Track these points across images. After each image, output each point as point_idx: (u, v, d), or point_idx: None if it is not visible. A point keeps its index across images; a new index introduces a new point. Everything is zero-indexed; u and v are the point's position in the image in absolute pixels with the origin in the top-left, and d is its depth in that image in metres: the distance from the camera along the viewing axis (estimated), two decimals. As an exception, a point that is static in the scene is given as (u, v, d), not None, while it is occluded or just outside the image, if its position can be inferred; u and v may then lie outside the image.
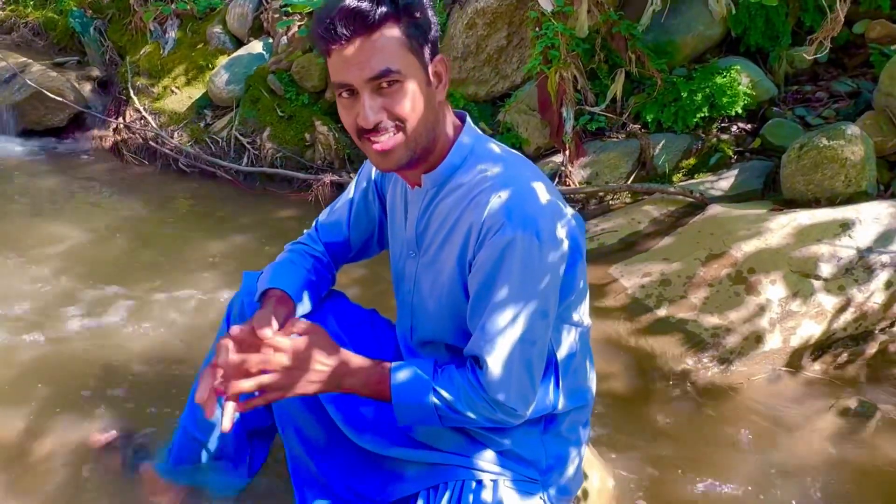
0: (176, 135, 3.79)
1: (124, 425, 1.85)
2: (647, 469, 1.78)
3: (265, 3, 4.08)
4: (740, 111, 3.15)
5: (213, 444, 1.58)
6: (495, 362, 1.17)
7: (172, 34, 4.28)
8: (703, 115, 3.13)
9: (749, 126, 3.25)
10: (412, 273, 1.35)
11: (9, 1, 5.81)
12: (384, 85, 1.13)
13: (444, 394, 1.21)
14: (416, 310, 1.37)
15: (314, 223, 1.56)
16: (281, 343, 1.17)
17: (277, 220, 3.22)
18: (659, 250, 2.65)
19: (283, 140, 3.58)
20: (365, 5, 1.10)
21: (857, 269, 2.31)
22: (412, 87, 1.15)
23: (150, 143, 3.77)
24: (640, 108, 3.20)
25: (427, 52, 1.18)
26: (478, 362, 1.20)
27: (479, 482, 1.30)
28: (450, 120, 1.26)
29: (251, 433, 1.61)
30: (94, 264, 2.73)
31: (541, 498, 1.34)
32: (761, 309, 2.26)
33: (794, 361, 2.24)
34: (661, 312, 2.36)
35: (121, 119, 3.99)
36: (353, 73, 1.13)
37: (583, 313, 1.32)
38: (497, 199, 1.16)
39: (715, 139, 3.16)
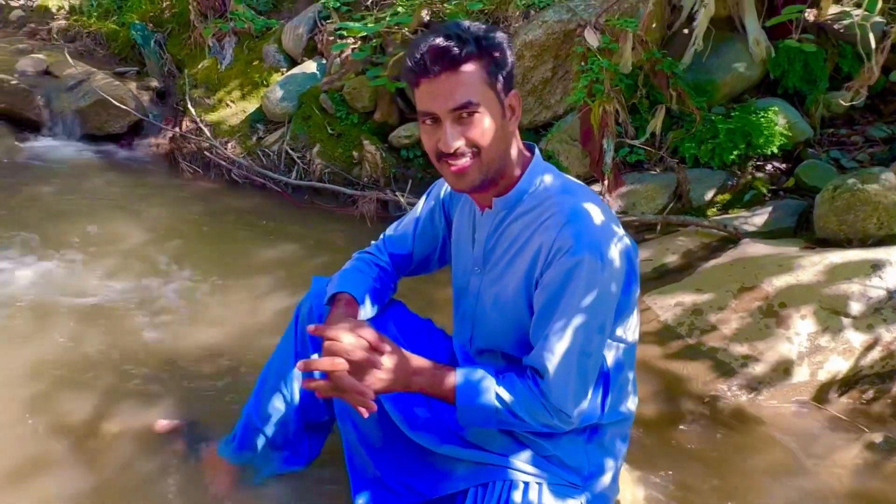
0: (229, 146, 3.98)
1: (185, 414, 1.98)
2: (674, 489, 1.86)
3: (320, 26, 4.27)
4: (776, 151, 3.24)
5: (273, 433, 1.70)
6: (556, 371, 1.29)
7: (230, 50, 4.49)
8: (739, 152, 3.23)
9: (784, 166, 3.34)
10: (476, 288, 1.47)
11: (73, 11, 6.11)
12: (464, 115, 1.27)
13: (506, 397, 1.32)
14: (477, 321, 1.49)
15: (382, 235, 1.69)
16: (364, 338, 1.29)
17: (324, 233, 3.37)
18: (692, 281, 2.74)
19: (331, 157, 3.74)
20: (453, 44, 1.25)
21: (886, 309, 2.38)
22: (489, 118, 1.29)
23: (205, 153, 3.95)
24: (679, 143, 3.31)
25: (502, 86, 1.31)
26: (538, 371, 1.32)
27: (526, 483, 1.41)
28: (519, 149, 1.40)
29: (309, 426, 1.73)
30: (152, 263, 2.90)
31: (580, 503, 1.44)
32: (790, 342, 2.34)
33: (821, 395, 2.31)
34: (692, 340, 2.44)
35: (177, 129, 4.18)
36: (439, 104, 1.27)
37: (629, 330, 1.43)
38: (566, 224, 1.28)
39: (750, 177, 3.26)
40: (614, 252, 1.30)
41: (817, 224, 2.82)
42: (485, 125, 1.28)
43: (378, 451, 1.59)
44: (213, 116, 4.20)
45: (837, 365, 2.31)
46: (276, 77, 4.23)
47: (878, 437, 2.12)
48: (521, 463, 1.43)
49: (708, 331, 2.46)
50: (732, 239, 3.00)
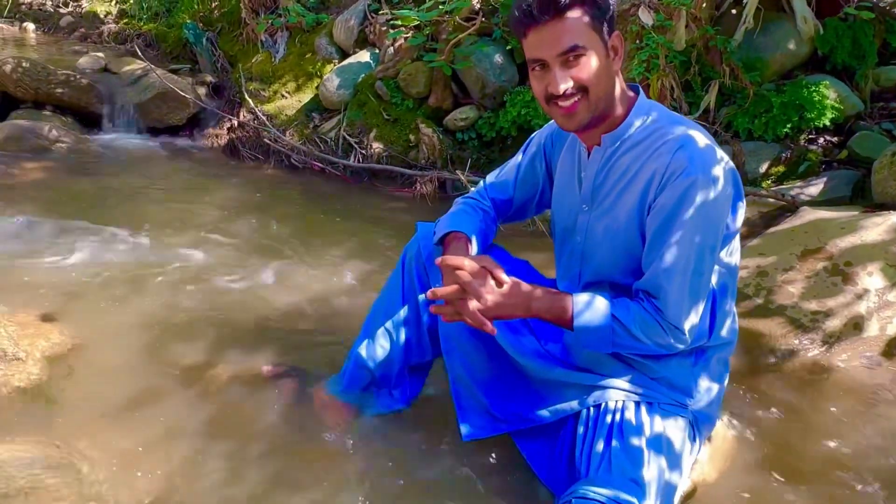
0: (287, 134, 4.11)
1: (289, 361, 2.10)
2: (757, 430, 1.93)
3: (370, 18, 4.40)
4: (828, 124, 3.31)
5: (378, 372, 1.80)
6: (670, 290, 1.37)
7: (282, 44, 4.64)
8: (792, 125, 3.30)
9: (836, 139, 3.40)
10: (584, 225, 1.55)
11: (122, 15, 6.32)
12: (571, 59, 1.36)
13: (621, 317, 1.40)
14: (586, 256, 1.57)
15: (483, 182, 1.79)
16: (485, 265, 1.40)
17: (386, 211, 3.51)
18: (753, 247, 2.80)
19: (388, 141, 3.86)
20: None
21: (953, 265, 2.43)
22: (594, 59, 1.37)
23: (265, 140, 4.09)
24: (732, 117, 3.39)
25: (606, 29, 1.40)
26: (651, 292, 1.40)
27: (637, 403, 1.49)
28: (623, 88, 1.49)
29: (412, 367, 1.83)
30: (231, 236, 3.04)
31: (688, 422, 1.52)
32: (859, 298, 2.39)
33: (891, 350, 2.36)
34: (760, 300, 2.51)
35: (236, 119, 4.33)
36: (547, 50, 1.37)
37: (732, 254, 1.51)
38: (680, 149, 1.37)
39: (803, 149, 3.32)
40: (723, 173, 1.38)
41: (875, 189, 2.88)
42: (591, 66, 1.37)
43: (485, 383, 1.68)
44: (269, 107, 4.35)
45: (906, 320, 2.36)
46: (329, 68, 4.37)
47: (951, 385, 2.18)
48: (631, 384, 1.51)
49: (775, 291, 2.52)
50: (789, 208, 3.06)
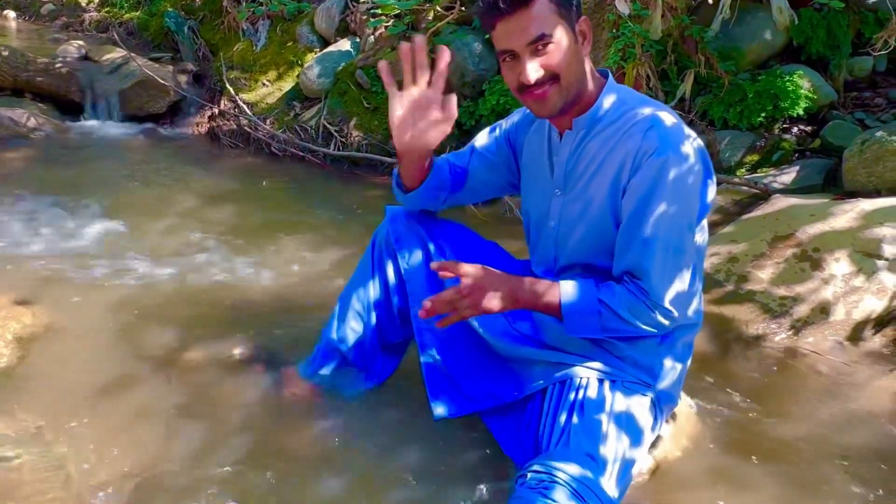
0: (267, 122, 4.12)
1: (262, 344, 2.12)
2: (727, 410, 1.96)
3: (351, 6, 4.41)
4: (802, 113, 3.35)
5: (350, 353, 1.82)
6: (654, 270, 1.39)
7: (264, 33, 4.64)
8: (766, 114, 3.34)
9: (809, 128, 3.45)
10: (557, 210, 1.57)
11: (104, 3, 6.28)
12: (540, 47, 1.37)
13: (609, 301, 1.42)
14: (559, 241, 1.59)
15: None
16: (468, 268, 1.42)
17: (365, 199, 3.53)
18: (725, 234, 2.84)
19: (368, 129, 3.88)
20: None
21: (918, 251, 2.48)
22: (563, 46, 1.38)
23: (245, 128, 4.09)
24: (707, 106, 3.42)
25: (572, 14, 1.42)
26: (635, 274, 1.42)
27: (600, 380, 1.52)
28: (592, 71, 1.50)
29: (385, 346, 1.85)
30: (210, 223, 3.06)
31: (651, 400, 1.55)
32: (826, 283, 2.44)
33: (856, 334, 2.41)
34: (731, 286, 2.55)
35: (216, 107, 4.33)
36: (515, 41, 1.38)
37: (701, 232, 1.53)
38: (650, 129, 1.39)
39: (777, 138, 3.37)
40: (693, 151, 1.40)
41: (846, 177, 2.93)
42: (560, 53, 1.38)
43: (456, 363, 1.71)
44: (250, 96, 4.35)
45: (871, 305, 2.40)
46: (310, 57, 4.37)
47: (914, 367, 2.23)
48: (597, 362, 1.54)
49: (746, 277, 2.56)
50: (762, 196, 3.10)
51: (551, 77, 1.39)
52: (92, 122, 4.41)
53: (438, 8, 3.91)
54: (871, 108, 3.44)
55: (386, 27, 4.02)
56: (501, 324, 1.64)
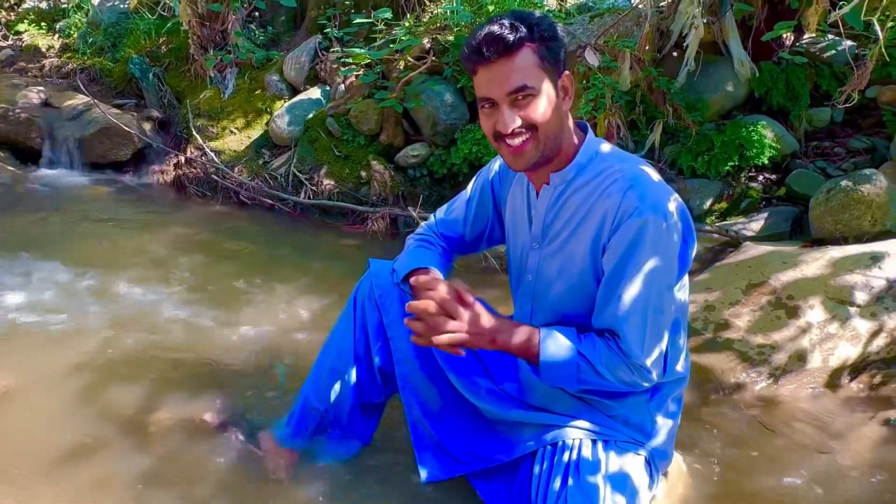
0: (236, 170, 4.05)
1: (232, 406, 2.02)
2: (711, 463, 1.95)
3: (321, 55, 4.41)
4: (766, 162, 3.44)
5: (329, 413, 1.75)
6: (633, 330, 1.38)
7: (232, 81, 4.60)
8: (733, 163, 3.41)
9: (774, 176, 3.53)
10: (535, 263, 1.55)
11: (65, 49, 6.19)
12: (520, 98, 1.36)
13: (588, 354, 1.40)
14: (537, 295, 1.56)
15: (433, 217, 1.77)
16: (456, 288, 1.39)
17: (337, 247, 3.48)
18: (700, 282, 2.86)
19: (339, 177, 3.84)
20: (507, 32, 1.34)
21: (888, 297, 2.52)
22: (543, 99, 1.37)
23: (213, 176, 4.02)
24: (676, 156, 3.49)
25: (555, 69, 1.41)
26: (615, 332, 1.40)
27: (593, 441, 1.48)
28: (573, 126, 1.50)
29: (364, 406, 1.78)
30: (176, 275, 2.96)
31: (645, 458, 1.52)
32: (802, 331, 2.46)
33: (833, 381, 2.43)
34: (709, 334, 2.55)
35: (183, 155, 4.25)
36: (495, 89, 1.37)
37: (682, 290, 1.52)
38: (630, 188, 1.38)
39: (744, 186, 3.44)
40: (674, 210, 1.40)
41: (813, 225, 2.99)
42: (540, 106, 1.36)
43: (442, 423, 1.65)
44: (217, 143, 4.29)
45: (846, 351, 2.43)
46: (280, 104, 4.35)
47: (891, 414, 2.25)
48: (587, 423, 1.50)
49: (723, 325, 2.57)
50: (733, 243, 3.15)
51: (529, 128, 1.37)
52: (52, 171, 4.29)
53: (409, 58, 3.94)
54: (832, 158, 3.54)
55: (357, 76, 4.03)
56: (487, 385, 1.60)
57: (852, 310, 2.49)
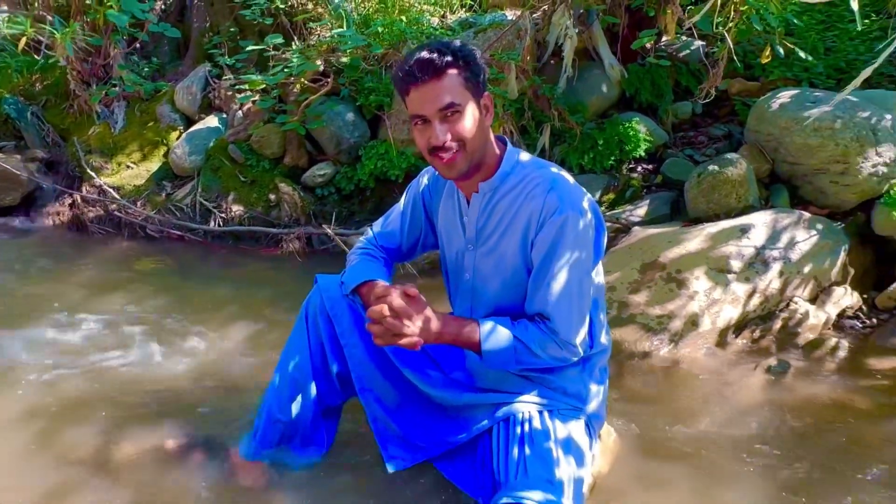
0: (138, 205, 4.00)
1: (192, 430, 2.08)
2: (633, 417, 2.22)
3: (212, 83, 4.42)
4: (643, 154, 3.83)
5: (292, 423, 1.86)
6: (561, 312, 1.59)
7: (121, 114, 4.51)
8: (615, 158, 3.78)
9: (650, 166, 3.93)
10: (471, 263, 1.74)
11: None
12: (449, 114, 1.55)
13: (522, 338, 1.60)
14: (476, 291, 1.76)
15: (370, 230, 1.93)
16: (408, 293, 1.56)
17: (256, 271, 3.52)
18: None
19: (247, 202, 3.89)
20: (436, 56, 1.54)
21: (757, 263, 2.92)
22: (469, 115, 1.57)
23: (114, 213, 3.94)
24: (565, 155, 3.81)
25: (479, 89, 1.61)
26: (544, 315, 1.61)
27: (540, 412, 1.69)
28: (494, 140, 1.71)
29: (325, 411, 1.91)
30: (99, 317, 2.91)
31: (584, 422, 1.75)
32: (691, 299, 2.81)
33: (722, 339, 2.79)
34: (613, 312, 2.85)
35: (78, 194, 4.13)
36: (427, 107, 1.55)
37: (598, 274, 1.77)
38: (550, 191, 1.60)
39: (626, 177, 3.81)
40: (587, 207, 1.64)
41: (689, 206, 3.38)
42: (466, 121, 1.56)
43: (401, 416, 1.81)
44: (115, 179, 4.20)
45: (730, 313, 2.80)
46: (175, 135, 4.32)
47: (773, 361, 2.62)
48: (533, 396, 1.71)
49: (625, 302, 2.88)
50: (624, 229, 3.50)
51: (458, 142, 1.56)
52: (-69, 222, 4.05)
53: (305, 81, 4.05)
54: (697, 146, 3.99)
55: (254, 102, 4.09)
56: (438, 376, 1.78)
57: (730, 276, 2.86)
